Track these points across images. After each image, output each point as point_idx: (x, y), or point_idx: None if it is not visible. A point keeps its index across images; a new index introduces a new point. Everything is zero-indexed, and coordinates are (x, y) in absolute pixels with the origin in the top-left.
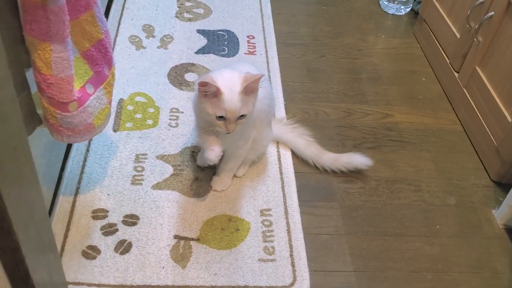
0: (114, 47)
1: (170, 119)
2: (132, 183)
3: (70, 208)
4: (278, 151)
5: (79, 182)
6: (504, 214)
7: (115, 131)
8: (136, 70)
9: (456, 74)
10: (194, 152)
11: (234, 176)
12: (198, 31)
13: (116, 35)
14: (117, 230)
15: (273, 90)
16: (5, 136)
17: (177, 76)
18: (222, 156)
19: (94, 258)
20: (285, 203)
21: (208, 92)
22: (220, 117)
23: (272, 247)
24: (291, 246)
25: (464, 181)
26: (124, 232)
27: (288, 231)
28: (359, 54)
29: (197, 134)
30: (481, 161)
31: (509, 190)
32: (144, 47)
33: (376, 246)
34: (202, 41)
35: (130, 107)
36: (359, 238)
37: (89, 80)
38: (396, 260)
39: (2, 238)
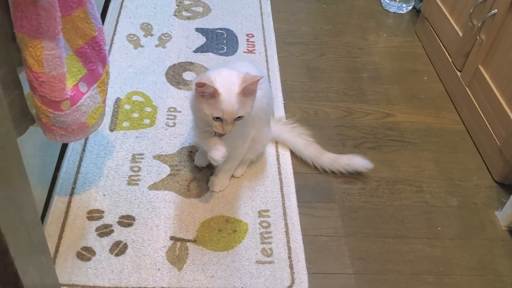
0: (111, 45)
1: (167, 119)
2: (128, 184)
3: (65, 208)
4: (277, 151)
5: (74, 182)
6: (508, 216)
7: (111, 130)
8: (134, 69)
9: (458, 73)
10: (191, 152)
11: (232, 176)
12: (197, 29)
13: (114, 34)
14: (112, 231)
15: (272, 89)
16: None
17: (175, 75)
18: None
19: (89, 259)
20: (283, 204)
21: (206, 93)
22: (217, 118)
23: (270, 249)
24: (289, 248)
25: (466, 181)
26: (120, 233)
27: (287, 233)
28: (359, 52)
29: (195, 134)
30: (484, 162)
31: None
32: (142, 46)
33: (376, 248)
34: (201, 40)
35: (127, 106)
36: (359, 240)
37: (82, 78)
38: (397, 262)
39: None
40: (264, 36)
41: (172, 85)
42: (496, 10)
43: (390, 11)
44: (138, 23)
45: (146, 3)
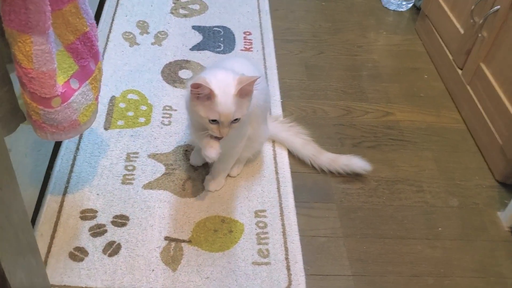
0: (107, 43)
1: (163, 117)
2: (123, 183)
3: (58, 208)
4: (274, 150)
5: (67, 182)
6: (510, 216)
7: (106, 129)
8: (129, 67)
9: (459, 71)
10: (187, 151)
11: (228, 175)
12: (194, 27)
13: (110, 32)
14: (106, 231)
15: (270, 87)
16: None
17: (171, 73)
18: None
19: (82, 260)
20: (280, 204)
21: (201, 94)
22: (213, 121)
23: (267, 249)
24: (286, 249)
25: (467, 181)
26: (113, 233)
27: (284, 233)
28: (359, 50)
29: (190, 133)
30: (485, 161)
31: None
32: (137, 44)
33: (376, 249)
34: (197, 38)
35: (122, 105)
36: (357, 241)
37: (73, 75)
38: (396, 263)
39: None
40: (261, 34)
41: (168, 83)
42: (498, 7)
43: (390, 8)
44: (134, 21)
45: (142, 1)
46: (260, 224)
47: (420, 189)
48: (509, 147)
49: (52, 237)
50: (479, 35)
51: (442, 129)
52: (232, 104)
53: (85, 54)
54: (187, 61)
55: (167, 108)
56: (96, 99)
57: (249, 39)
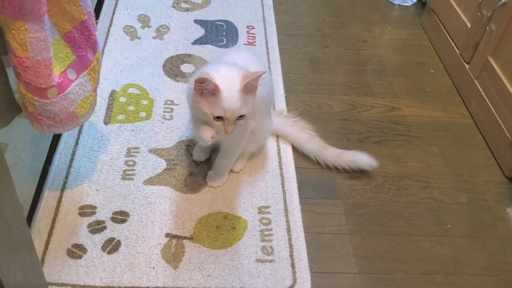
0: (107, 37)
1: (164, 112)
2: (123, 178)
3: (56, 204)
4: (278, 145)
5: (66, 177)
6: None
7: (106, 123)
8: (130, 61)
9: (466, 66)
10: (189, 146)
11: (231, 171)
12: (196, 21)
13: (110, 25)
14: (105, 227)
15: (274, 81)
16: None
17: (172, 67)
18: (219, 150)
19: (80, 257)
20: (285, 200)
21: (205, 90)
22: (218, 118)
23: (271, 247)
24: (291, 246)
25: (476, 177)
26: (113, 230)
27: (288, 230)
28: (364, 45)
29: (192, 127)
30: (494, 157)
31: None
32: (139, 38)
33: (382, 246)
34: (200, 32)
35: (122, 99)
36: (364, 238)
37: (70, 65)
38: (404, 261)
39: None
40: (265, 28)
41: (170, 78)
42: None
43: (395, 3)
44: (135, 15)
45: None
46: (264, 221)
47: (427, 185)
48: None
49: (50, 233)
50: (487, 28)
51: (449, 124)
52: (238, 100)
53: (83, 44)
54: (189, 55)
55: (169, 102)
56: (95, 90)
57: (252, 33)
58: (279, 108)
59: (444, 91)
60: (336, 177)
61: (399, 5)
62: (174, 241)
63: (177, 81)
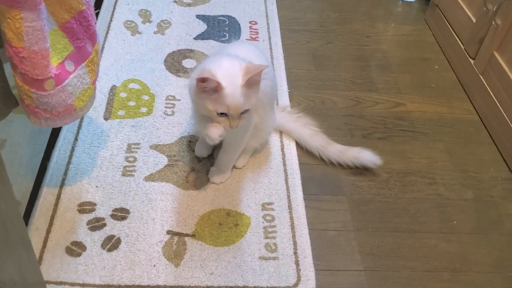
0: (108, 32)
1: (165, 107)
2: (123, 175)
3: (55, 201)
4: (281, 141)
5: (65, 173)
6: None
7: (106, 119)
8: (131, 56)
9: (471, 61)
10: (191, 141)
11: (234, 167)
12: (198, 16)
13: (111, 20)
14: (105, 225)
15: (277, 77)
16: None
17: (174, 62)
18: (221, 146)
19: (79, 255)
20: (288, 196)
21: (208, 88)
22: (221, 114)
23: (275, 244)
24: (295, 243)
25: (482, 173)
26: (113, 227)
27: (292, 227)
28: (368, 41)
29: (195, 123)
30: (500, 153)
31: None
32: (140, 33)
33: (388, 243)
34: (202, 27)
35: (123, 94)
36: (369, 235)
37: (68, 56)
38: (410, 258)
39: None
40: (268, 24)
41: (171, 73)
42: None
43: None
44: (136, 10)
45: None
46: (268, 217)
47: (433, 181)
48: None
49: (48, 231)
50: (492, 23)
51: (454, 120)
52: (241, 95)
53: (81, 35)
54: (191, 51)
55: (170, 98)
56: (94, 83)
57: (255, 29)
58: (283, 104)
59: (449, 86)
60: (341, 173)
61: (403, 0)
62: (176, 238)
63: (179, 76)
